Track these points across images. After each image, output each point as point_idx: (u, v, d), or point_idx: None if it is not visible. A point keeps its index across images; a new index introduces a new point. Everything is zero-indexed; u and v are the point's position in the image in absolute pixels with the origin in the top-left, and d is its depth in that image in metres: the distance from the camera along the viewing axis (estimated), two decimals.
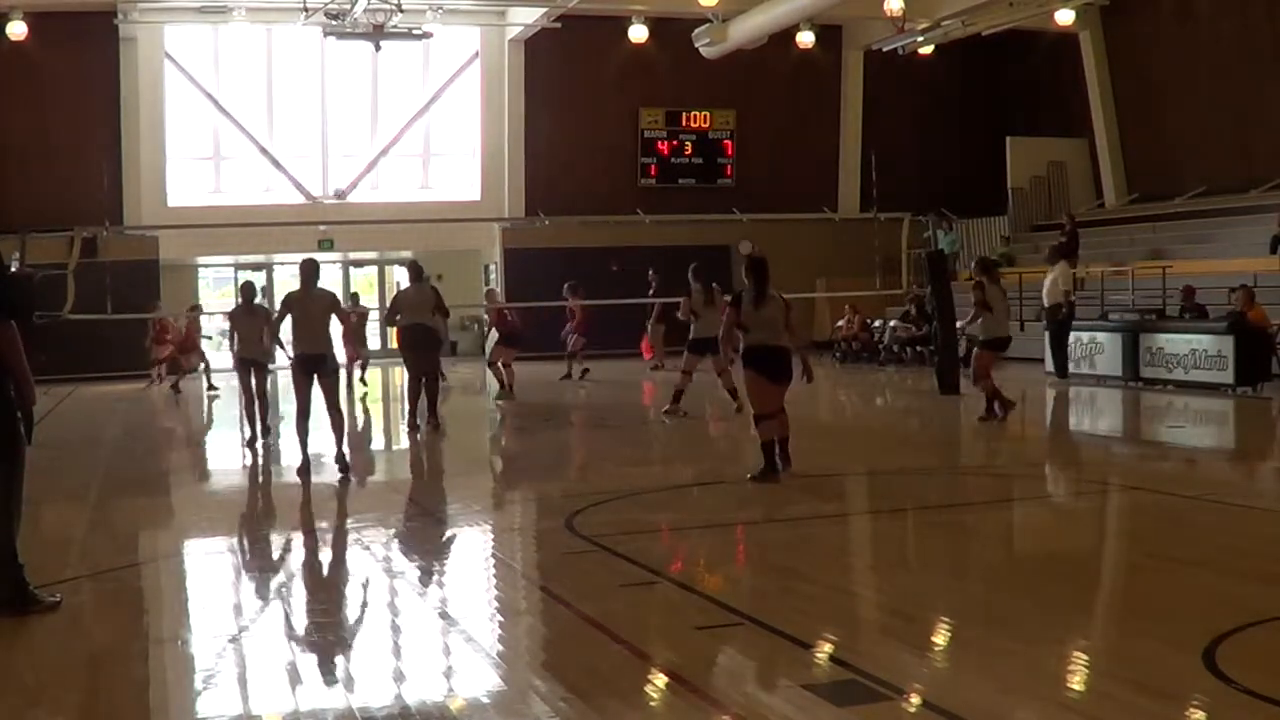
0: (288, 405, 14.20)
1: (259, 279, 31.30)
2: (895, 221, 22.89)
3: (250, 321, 14.16)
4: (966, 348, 15.28)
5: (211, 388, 22.64)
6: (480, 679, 5.66)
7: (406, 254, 31.16)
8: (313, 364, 11.53)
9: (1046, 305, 19.82)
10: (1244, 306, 17.32)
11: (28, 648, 6.15)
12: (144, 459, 14.43)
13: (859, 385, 21.84)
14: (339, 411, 11.68)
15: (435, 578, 7.98)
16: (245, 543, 9.29)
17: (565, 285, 22.90)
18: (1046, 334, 19.96)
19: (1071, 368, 19.37)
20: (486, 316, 17.99)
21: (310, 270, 11.74)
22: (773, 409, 10.56)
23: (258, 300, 14.84)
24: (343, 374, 18.06)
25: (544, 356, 25.19)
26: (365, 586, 7.78)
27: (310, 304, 11.61)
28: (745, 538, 8.90)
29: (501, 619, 6.79)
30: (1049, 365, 19.85)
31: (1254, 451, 13.43)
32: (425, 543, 9.08)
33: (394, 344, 31.41)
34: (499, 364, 19.47)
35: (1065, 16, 25.64)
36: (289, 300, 11.72)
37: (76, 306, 19.00)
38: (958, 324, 17.83)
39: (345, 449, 11.65)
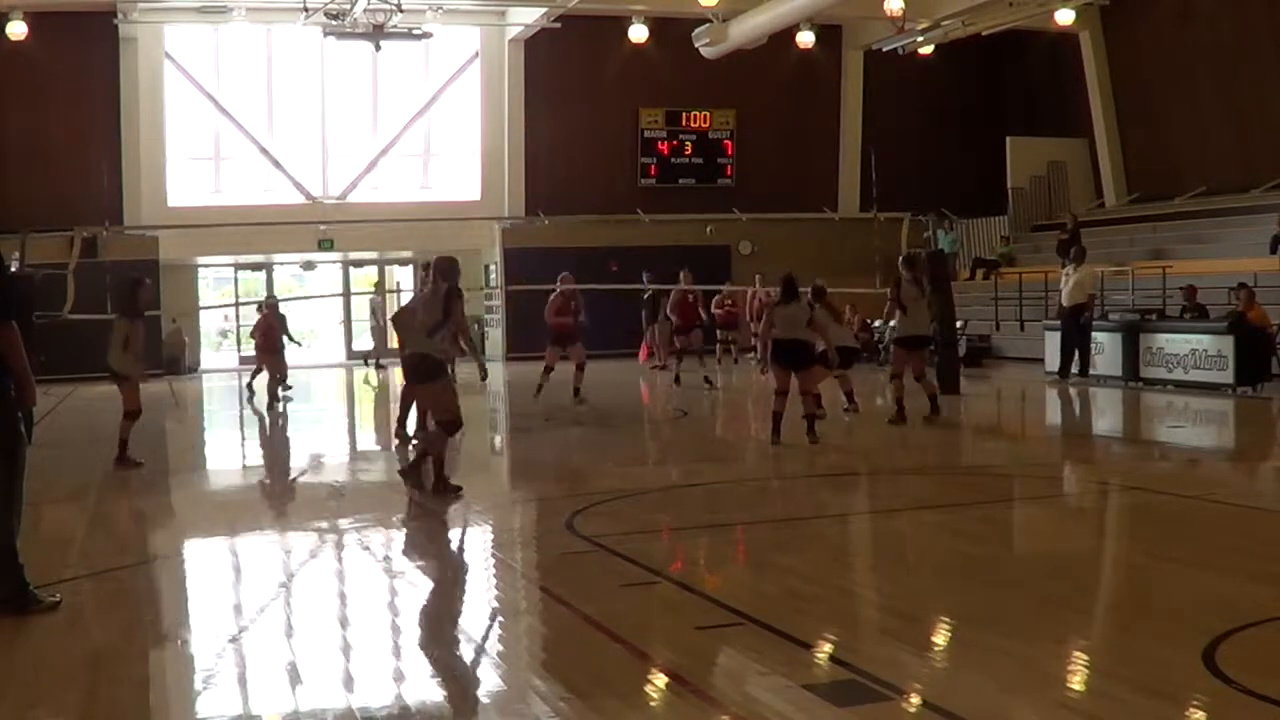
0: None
1: (259, 279, 31.52)
2: (895, 221, 22.90)
3: (119, 323, 12.81)
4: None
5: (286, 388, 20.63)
6: (480, 679, 5.66)
7: (406, 254, 31.24)
8: (409, 367, 10.43)
9: (1067, 305, 19.60)
10: (1244, 306, 17.33)
11: (28, 648, 6.15)
12: (144, 459, 14.40)
13: (859, 385, 21.80)
14: (426, 428, 10.32)
15: (435, 578, 7.98)
16: (245, 543, 9.28)
17: (681, 273, 21.17)
18: (1059, 333, 19.83)
19: (1073, 369, 19.34)
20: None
21: (440, 267, 10.45)
22: (783, 388, 12.80)
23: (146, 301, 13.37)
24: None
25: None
26: (365, 586, 7.78)
27: (423, 300, 10.41)
28: (745, 538, 8.90)
29: (501, 619, 6.79)
30: (1049, 365, 19.84)
31: (1254, 451, 13.42)
32: (425, 543, 9.08)
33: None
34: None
35: (1065, 16, 25.64)
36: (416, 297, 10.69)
37: (76, 306, 18.99)
38: (875, 322, 17.73)
39: (428, 468, 10.25)
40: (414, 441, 14.00)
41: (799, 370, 13.04)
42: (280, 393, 19.60)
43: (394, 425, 14.32)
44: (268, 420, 18.23)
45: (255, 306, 20.93)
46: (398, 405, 14.91)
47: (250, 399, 20.50)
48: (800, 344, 13.05)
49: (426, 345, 10.16)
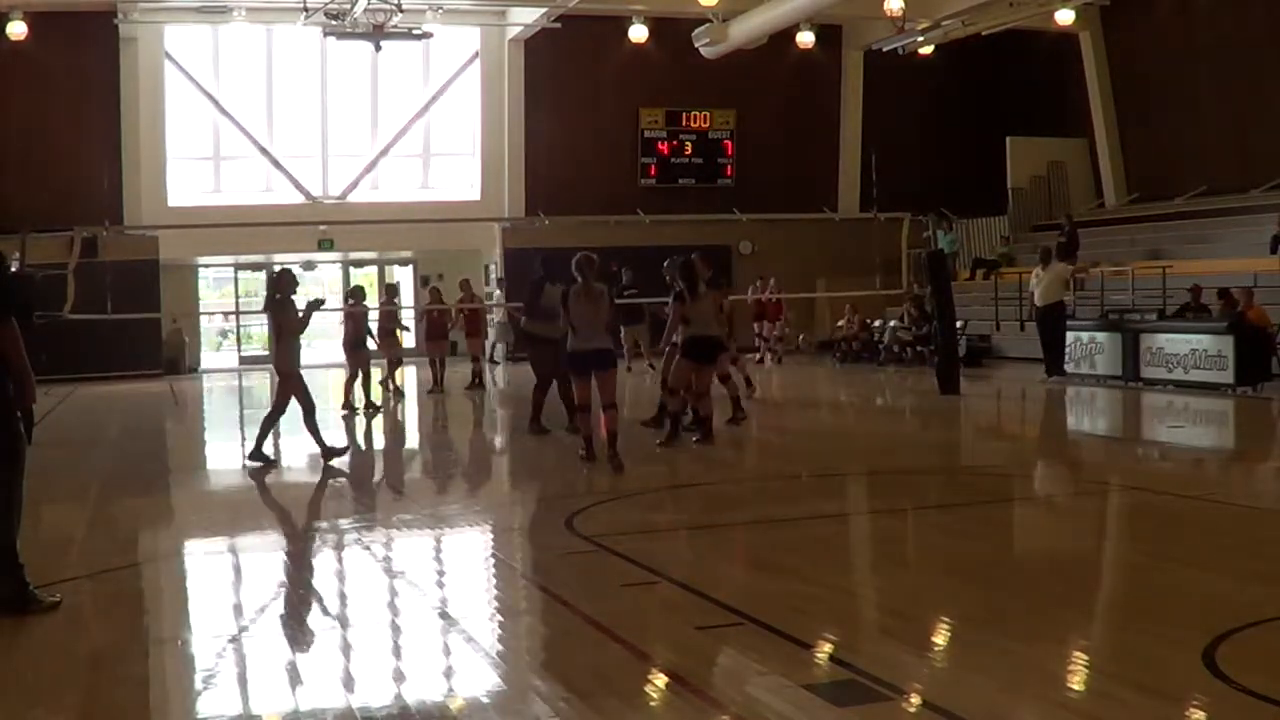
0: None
1: (259, 279, 31.48)
2: (895, 221, 22.87)
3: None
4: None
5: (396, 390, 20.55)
6: (480, 679, 5.66)
7: (406, 254, 31.24)
8: (591, 360, 11.27)
9: (1040, 305, 19.67)
10: (1244, 306, 17.35)
11: (28, 648, 6.15)
12: (144, 459, 14.43)
13: (859, 385, 21.84)
14: (614, 409, 11.37)
15: (435, 578, 7.98)
16: (245, 543, 9.29)
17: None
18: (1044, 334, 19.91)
19: (1071, 367, 19.37)
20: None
21: (585, 264, 11.33)
22: (686, 385, 12.63)
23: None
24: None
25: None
26: (365, 586, 7.77)
27: (588, 298, 11.26)
28: (745, 538, 8.90)
29: (501, 619, 6.79)
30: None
31: (1254, 451, 13.42)
32: (425, 543, 9.08)
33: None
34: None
35: (1065, 16, 25.65)
36: (569, 294, 11.29)
37: (76, 306, 18.96)
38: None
39: (619, 444, 11.35)
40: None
41: (708, 366, 12.81)
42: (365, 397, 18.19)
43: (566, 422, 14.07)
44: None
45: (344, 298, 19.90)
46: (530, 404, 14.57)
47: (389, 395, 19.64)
48: (715, 340, 12.90)
49: (606, 340, 11.43)
